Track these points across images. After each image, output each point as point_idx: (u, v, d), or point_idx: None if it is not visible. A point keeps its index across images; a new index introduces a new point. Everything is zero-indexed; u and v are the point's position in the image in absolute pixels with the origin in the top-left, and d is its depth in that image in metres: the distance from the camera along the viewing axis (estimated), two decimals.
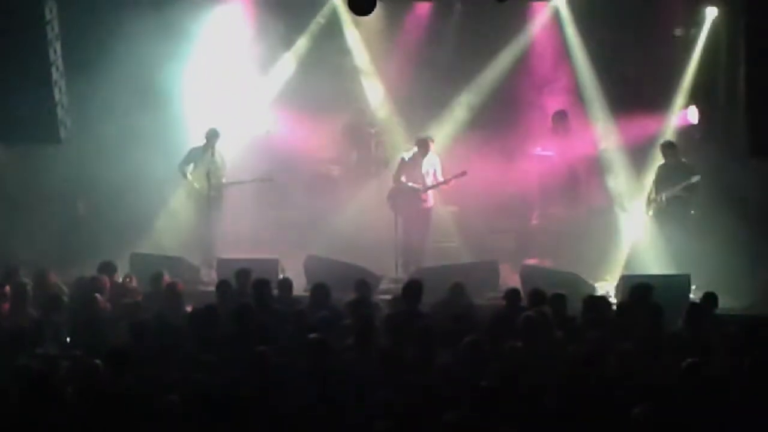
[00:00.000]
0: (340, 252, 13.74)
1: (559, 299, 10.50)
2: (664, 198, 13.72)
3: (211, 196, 14.24)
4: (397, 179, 14.22)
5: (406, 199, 14.07)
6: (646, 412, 7.50)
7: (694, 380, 8.21)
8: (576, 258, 13.73)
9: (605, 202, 14.96)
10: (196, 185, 14.30)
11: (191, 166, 14.39)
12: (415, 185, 14.04)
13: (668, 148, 13.97)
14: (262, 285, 10.98)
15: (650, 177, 14.24)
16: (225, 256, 13.70)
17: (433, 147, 14.21)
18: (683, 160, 13.93)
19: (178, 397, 7.91)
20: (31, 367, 8.47)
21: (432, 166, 14.16)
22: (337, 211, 15.12)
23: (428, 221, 14.32)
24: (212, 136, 14.38)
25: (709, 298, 10.75)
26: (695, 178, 13.56)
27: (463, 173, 13.90)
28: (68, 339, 10.14)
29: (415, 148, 14.21)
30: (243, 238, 14.41)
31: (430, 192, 14.19)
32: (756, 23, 13.05)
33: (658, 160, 14.15)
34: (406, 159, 14.24)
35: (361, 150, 15.89)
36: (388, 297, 12.18)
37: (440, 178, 14.09)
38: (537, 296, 10.58)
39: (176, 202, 14.72)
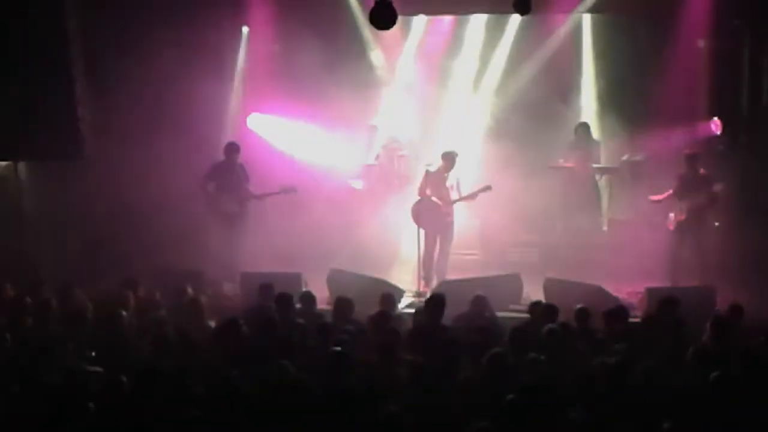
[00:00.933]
0: (363, 266, 13.75)
1: (584, 313, 10.47)
2: (685, 208, 13.62)
3: (233, 211, 14.26)
4: (421, 192, 14.14)
5: (429, 212, 14.02)
6: (676, 426, 7.46)
7: (722, 393, 8.14)
8: (600, 270, 13.66)
9: (629, 214, 14.90)
10: (218, 200, 14.31)
11: (213, 182, 14.41)
12: (439, 200, 13.99)
13: (689, 159, 13.86)
14: (286, 299, 11.01)
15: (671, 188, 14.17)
16: (248, 270, 13.70)
17: (458, 162, 14.18)
18: (701, 171, 13.81)
19: (201, 411, 7.90)
20: (55, 382, 8.49)
21: (456, 180, 14.12)
22: (360, 225, 15.12)
23: (450, 235, 14.20)
24: (232, 150, 14.40)
25: (735, 310, 10.67)
26: (717, 186, 13.48)
27: (488, 187, 13.87)
28: (92, 354, 10.15)
29: (441, 162, 14.17)
30: (266, 252, 14.39)
31: (453, 207, 14.13)
32: None
33: (680, 170, 14.09)
34: (431, 172, 14.16)
35: (384, 164, 15.85)
36: (411, 311, 12.14)
37: (463, 193, 14.04)
38: (550, 312, 10.52)
39: (199, 217, 14.74)
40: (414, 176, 15.01)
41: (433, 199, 13.99)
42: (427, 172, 14.16)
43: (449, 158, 14.04)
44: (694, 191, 13.56)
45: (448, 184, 14.02)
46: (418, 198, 14.11)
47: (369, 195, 15.74)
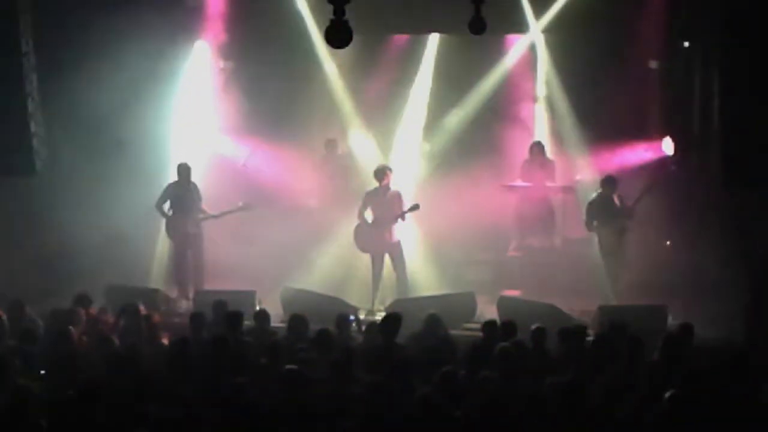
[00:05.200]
0: (317, 284, 13.71)
1: (540, 333, 10.49)
2: (605, 233, 13.83)
3: (191, 231, 14.20)
4: (360, 215, 14.13)
5: (369, 235, 14.03)
6: None
7: (675, 412, 8.19)
8: (553, 289, 13.72)
9: (582, 233, 14.98)
10: (175, 221, 14.24)
11: (168, 203, 14.34)
12: (381, 220, 13.94)
13: (605, 183, 14.02)
14: (235, 318, 10.91)
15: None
16: (202, 287, 13.62)
17: (391, 177, 14.12)
18: (616, 198, 13.96)
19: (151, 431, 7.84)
20: (6, 399, 8.39)
21: (395, 198, 14.06)
22: (314, 243, 15.07)
23: (399, 254, 14.14)
24: (184, 170, 14.37)
25: (686, 329, 10.75)
26: (627, 226, 13.81)
27: (416, 206, 13.85)
28: (42, 371, 10.04)
29: (375, 181, 14.13)
30: (220, 270, 14.33)
31: (394, 226, 14.03)
32: (729, 56, 13.13)
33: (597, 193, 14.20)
34: (369, 193, 14.16)
35: (338, 181, 15.84)
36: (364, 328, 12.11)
37: (404, 209, 13.98)
38: (509, 328, 10.54)
39: (153, 234, 14.65)
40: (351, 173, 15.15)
41: (369, 220, 13.98)
42: (367, 194, 14.16)
43: (381, 174, 14.04)
44: (612, 216, 13.71)
45: (386, 201, 13.98)
46: (357, 222, 14.11)
47: (323, 212, 15.69)
